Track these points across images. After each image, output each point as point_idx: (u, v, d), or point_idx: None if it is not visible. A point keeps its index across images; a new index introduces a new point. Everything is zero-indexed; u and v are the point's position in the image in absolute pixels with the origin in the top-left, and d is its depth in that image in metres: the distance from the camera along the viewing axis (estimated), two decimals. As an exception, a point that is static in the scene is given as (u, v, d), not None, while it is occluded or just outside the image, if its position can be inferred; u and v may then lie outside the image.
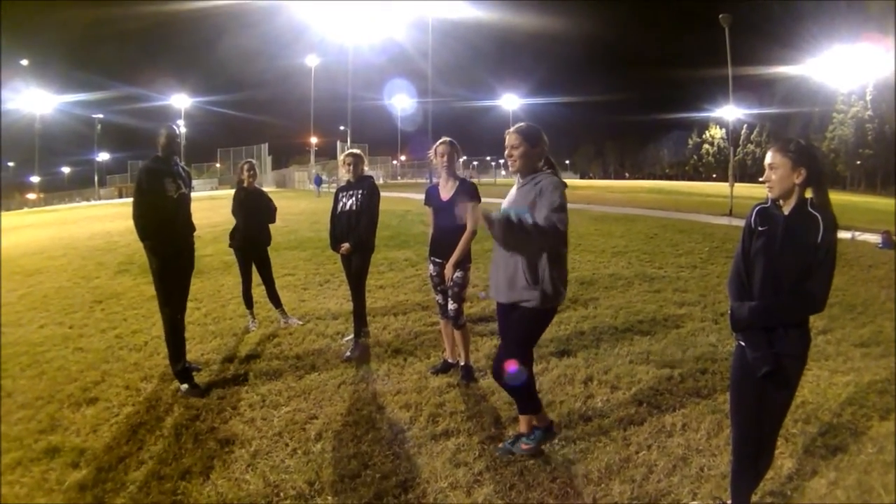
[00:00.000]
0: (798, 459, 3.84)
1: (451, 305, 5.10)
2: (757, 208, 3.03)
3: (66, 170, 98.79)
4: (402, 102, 72.67)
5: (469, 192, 5.02)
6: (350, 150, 6.12)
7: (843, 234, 14.39)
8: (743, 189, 30.31)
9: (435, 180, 5.57)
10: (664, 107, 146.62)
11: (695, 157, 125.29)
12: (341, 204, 5.96)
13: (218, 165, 65.70)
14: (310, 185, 51.55)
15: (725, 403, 4.20)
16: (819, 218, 2.80)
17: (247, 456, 3.90)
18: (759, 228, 2.97)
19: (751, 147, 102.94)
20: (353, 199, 5.91)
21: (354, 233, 5.86)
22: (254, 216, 6.96)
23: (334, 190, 6.78)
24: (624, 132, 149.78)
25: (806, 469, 3.72)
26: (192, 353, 5.92)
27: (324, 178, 47.98)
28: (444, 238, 5.06)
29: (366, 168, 6.17)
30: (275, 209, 7.14)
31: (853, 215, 22.21)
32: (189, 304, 7.83)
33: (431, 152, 5.17)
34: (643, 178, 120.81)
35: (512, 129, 3.81)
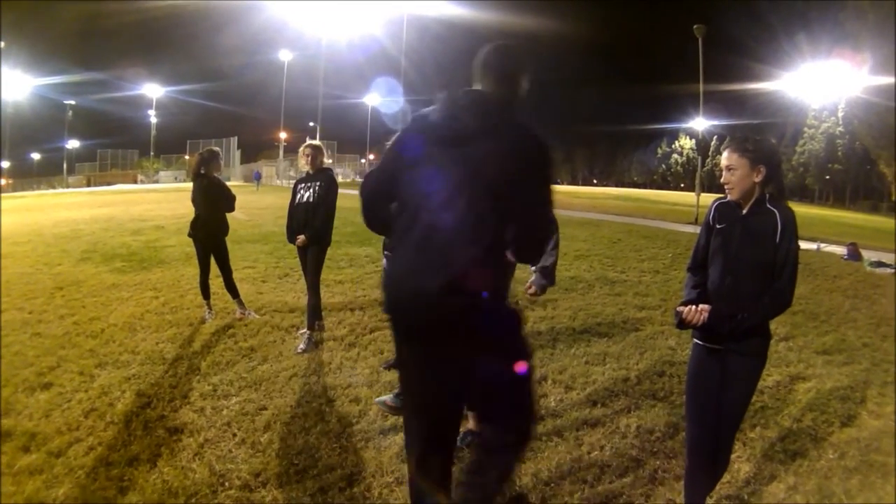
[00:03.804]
0: (756, 463, 3.83)
1: None
2: (716, 203, 3.03)
3: (35, 156, 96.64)
4: (373, 101, 72.36)
5: None
6: (310, 142, 6.10)
7: (808, 245, 14.72)
8: (710, 199, 30.43)
9: None
10: (635, 116, 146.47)
11: (663, 166, 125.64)
12: (299, 196, 5.93)
13: (187, 157, 65.03)
14: (277, 180, 53.16)
15: (682, 406, 4.20)
16: (776, 213, 2.79)
17: (195, 445, 3.84)
18: (718, 226, 2.97)
19: (720, 158, 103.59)
20: (311, 191, 5.87)
21: (311, 225, 5.83)
22: (213, 203, 6.87)
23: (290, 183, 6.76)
24: (594, 140, 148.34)
25: (764, 473, 3.72)
26: (147, 342, 5.86)
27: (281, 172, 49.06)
28: None
29: (325, 160, 6.14)
30: (233, 198, 7.03)
31: (821, 228, 22.54)
32: (148, 294, 7.88)
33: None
34: (612, 186, 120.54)
35: None
